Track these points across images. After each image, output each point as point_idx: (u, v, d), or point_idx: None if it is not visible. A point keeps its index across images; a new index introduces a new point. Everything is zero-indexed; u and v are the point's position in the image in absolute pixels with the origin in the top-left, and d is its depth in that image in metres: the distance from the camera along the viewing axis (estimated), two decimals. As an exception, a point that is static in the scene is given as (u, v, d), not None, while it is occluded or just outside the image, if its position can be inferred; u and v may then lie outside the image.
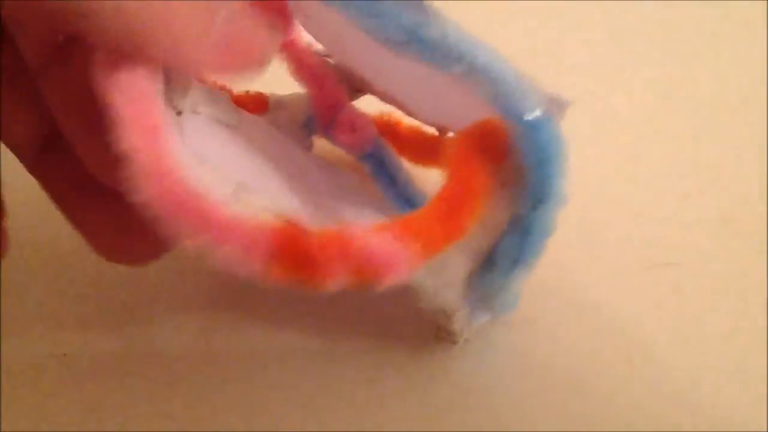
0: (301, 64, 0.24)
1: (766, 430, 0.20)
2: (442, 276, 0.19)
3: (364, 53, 0.20)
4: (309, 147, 0.25)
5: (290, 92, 0.25)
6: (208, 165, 0.17)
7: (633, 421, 0.20)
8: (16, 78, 0.16)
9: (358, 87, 0.24)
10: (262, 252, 0.15)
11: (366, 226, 0.16)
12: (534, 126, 0.17)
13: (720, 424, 0.20)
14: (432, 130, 0.26)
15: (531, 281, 0.23)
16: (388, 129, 0.26)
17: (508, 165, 0.18)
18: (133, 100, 0.14)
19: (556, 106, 0.18)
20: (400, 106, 0.24)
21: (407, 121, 0.26)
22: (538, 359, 0.22)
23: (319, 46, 0.24)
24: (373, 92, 0.24)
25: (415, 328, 0.22)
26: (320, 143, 0.26)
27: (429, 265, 0.17)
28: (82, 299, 0.23)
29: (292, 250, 0.15)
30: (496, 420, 0.21)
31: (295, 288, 0.15)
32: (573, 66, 0.31)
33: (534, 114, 0.17)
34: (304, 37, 0.24)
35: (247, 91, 0.24)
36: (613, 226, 0.25)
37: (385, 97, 0.24)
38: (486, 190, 0.18)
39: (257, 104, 0.24)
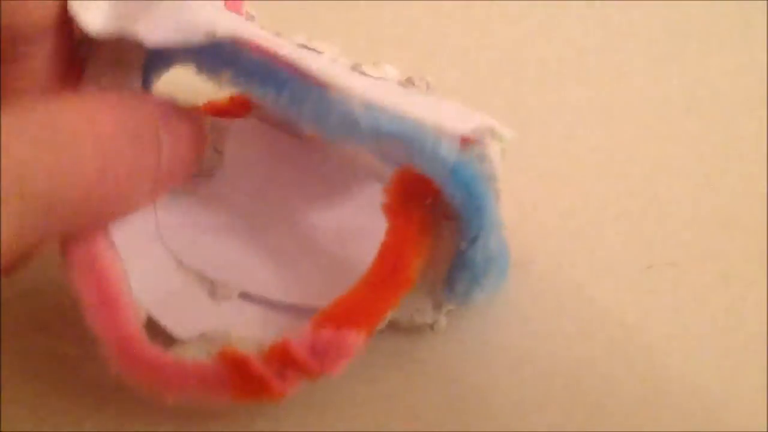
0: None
1: (766, 430, 0.20)
2: (409, 308, 0.20)
3: None
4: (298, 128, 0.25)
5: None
6: (182, 269, 0.22)
7: (632, 422, 0.20)
8: None
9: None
10: (207, 385, 0.18)
11: (304, 330, 0.18)
12: (452, 170, 0.17)
13: (720, 424, 0.20)
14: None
15: (531, 282, 0.23)
16: None
17: (443, 200, 0.18)
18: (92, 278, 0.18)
19: (491, 135, 0.19)
20: None
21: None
22: (537, 359, 0.22)
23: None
24: None
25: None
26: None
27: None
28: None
29: (238, 379, 0.17)
30: (493, 420, 0.21)
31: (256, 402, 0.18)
32: (573, 65, 0.31)
33: (448, 159, 0.17)
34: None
35: (231, 97, 0.24)
36: (613, 226, 0.25)
37: None
38: (423, 227, 0.19)
39: (242, 106, 0.24)
